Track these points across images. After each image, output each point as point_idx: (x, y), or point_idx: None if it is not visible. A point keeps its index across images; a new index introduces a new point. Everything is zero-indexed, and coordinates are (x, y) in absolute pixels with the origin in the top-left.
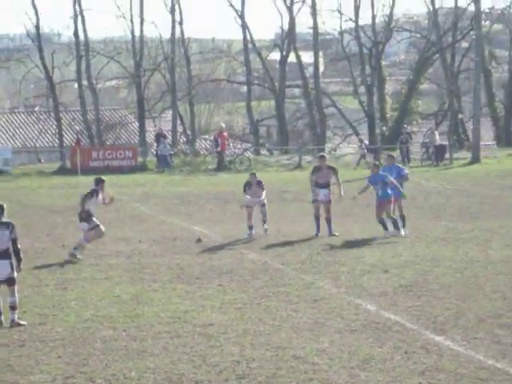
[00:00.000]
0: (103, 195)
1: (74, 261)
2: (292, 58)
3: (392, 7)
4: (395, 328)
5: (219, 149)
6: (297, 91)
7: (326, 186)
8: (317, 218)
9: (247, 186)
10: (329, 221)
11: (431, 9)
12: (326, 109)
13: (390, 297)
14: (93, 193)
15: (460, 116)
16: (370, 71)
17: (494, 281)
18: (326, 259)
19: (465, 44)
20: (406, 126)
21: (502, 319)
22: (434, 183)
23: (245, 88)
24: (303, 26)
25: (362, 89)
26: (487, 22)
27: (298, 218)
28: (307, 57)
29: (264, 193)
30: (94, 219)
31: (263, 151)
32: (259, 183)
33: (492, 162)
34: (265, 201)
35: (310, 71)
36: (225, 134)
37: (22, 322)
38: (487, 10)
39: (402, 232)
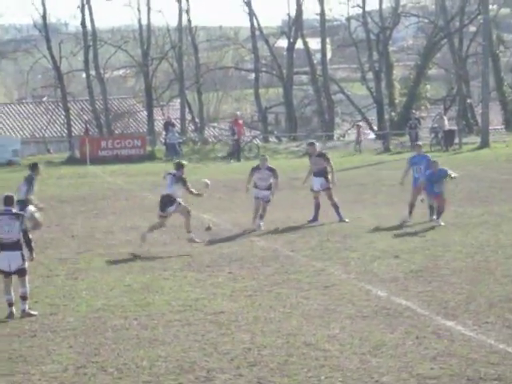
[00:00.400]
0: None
1: (197, 242)
2: (299, 44)
3: None
4: (406, 313)
5: (236, 137)
6: (304, 78)
7: (322, 174)
8: (316, 205)
9: (255, 169)
10: (335, 207)
11: None
12: (334, 95)
13: (400, 282)
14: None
15: (469, 100)
16: (378, 57)
17: (504, 265)
18: (336, 245)
19: (472, 28)
20: (414, 111)
21: None
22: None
23: (253, 75)
24: (310, 12)
25: (369, 75)
26: (494, 6)
27: (307, 205)
28: (314, 43)
29: (277, 182)
30: (179, 200)
31: (272, 138)
32: (270, 169)
33: (501, 147)
34: (271, 196)
35: (317, 58)
36: (240, 121)
37: (33, 312)
38: None
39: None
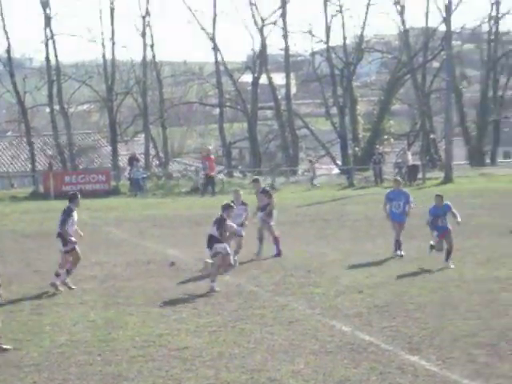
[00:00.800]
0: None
1: (213, 292)
2: (264, 79)
3: (363, 28)
4: (370, 349)
5: (207, 171)
6: (269, 113)
7: (265, 209)
8: (273, 240)
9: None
10: (274, 240)
11: (402, 29)
12: (299, 130)
13: (364, 317)
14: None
15: (432, 136)
16: (342, 92)
17: (468, 300)
18: (299, 280)
19: (436, 64)
20: (378, 146)
21: (476, 338)
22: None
23: (217, 110)
24: (275, 47)
25: (333, 110)
26: (458, 42)
27: (270, 240)
28: (279, 78)
29: (247, 215)
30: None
31: (236, 173)
32: (244, 204)
33: (464, 182)
34: (243, 232)
35: (281, 93)
36: (212, 156)
37: (5, 347)
38: (458, 30)
39: (402, 252)
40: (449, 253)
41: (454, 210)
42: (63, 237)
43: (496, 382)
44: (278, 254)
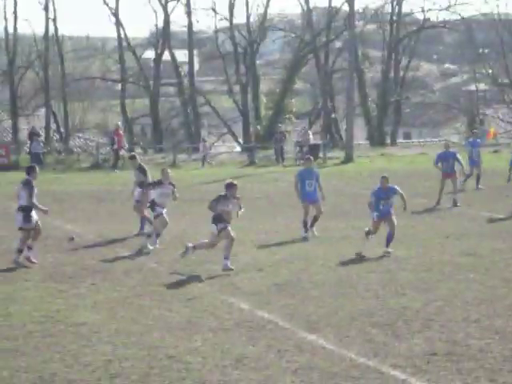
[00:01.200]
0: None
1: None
2: (167, 56)
3: (266, 7)
4: (268, 327)
5: (116, 146)
6: (172, 90)
7: (141, 186)
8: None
9: (157, 184)
10: (142, 220)
11: (305, 8)
12: (201, 107)
13: (263, 295)
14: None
15: (333, 115)
16: (245, 70)
17: (366, 279)
18: (199, 258)
19: (339, 44)
20: (280, 125)
21: (373, 318)
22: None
23: (119, 86)
24: (178, 24)
25: (236, 88)
26: (361, 22)
27: (174, 217)
28: (182, 55)
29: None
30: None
31: (137, 149)
32: (172, 184)
33: (365, 162)
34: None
35: (185, 70)
36: (120, 132)
37: None
38: (361, 10)
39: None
40: (390, 238)
41: (401, 192)
42: (27, 211)
43: (392, 361)
44: (141, 233)
